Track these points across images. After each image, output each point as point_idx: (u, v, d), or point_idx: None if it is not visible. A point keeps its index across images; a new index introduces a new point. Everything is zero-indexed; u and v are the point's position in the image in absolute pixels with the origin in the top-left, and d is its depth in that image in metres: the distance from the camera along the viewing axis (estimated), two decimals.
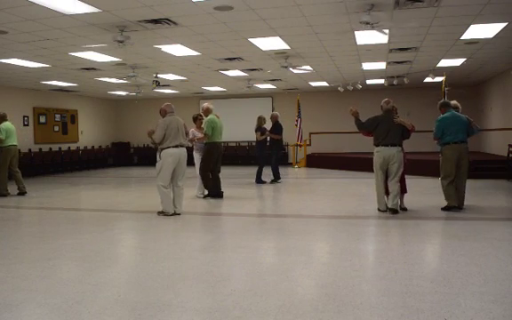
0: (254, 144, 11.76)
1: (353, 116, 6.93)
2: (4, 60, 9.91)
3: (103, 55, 9.65)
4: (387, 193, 6.88)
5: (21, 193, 9.65)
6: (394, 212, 6.66)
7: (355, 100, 15.81)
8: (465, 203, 6.99)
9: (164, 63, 10.83)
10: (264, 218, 7.22)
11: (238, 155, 18.36)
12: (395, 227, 6.05)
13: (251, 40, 8.51)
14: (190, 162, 7.75)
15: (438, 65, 11.65)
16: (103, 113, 19.33)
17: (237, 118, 17.91)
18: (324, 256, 4.72)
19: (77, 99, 17.58)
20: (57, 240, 5.46)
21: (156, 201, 7.16)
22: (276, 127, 11.07)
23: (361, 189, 9.70)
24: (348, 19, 7.06)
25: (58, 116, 16.60)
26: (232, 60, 10.63)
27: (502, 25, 7.60)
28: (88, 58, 9.86)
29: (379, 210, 6.84)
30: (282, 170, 12.19)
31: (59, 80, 13.30)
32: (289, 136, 16.79)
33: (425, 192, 8.97)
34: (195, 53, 9.67)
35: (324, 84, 15.45)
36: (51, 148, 15.88)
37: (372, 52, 9.86)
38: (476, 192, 8.76)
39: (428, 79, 13.53)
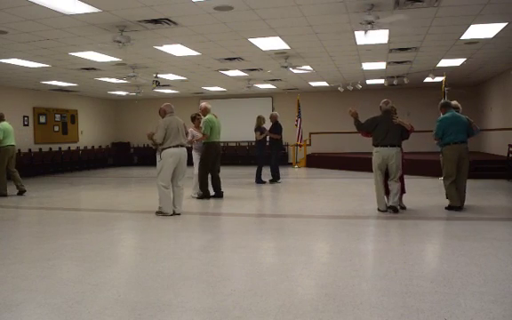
0: (254, 144, 11.75)
1: (352, 116, 6.94)
2: (3, 60, 9.91)
3: (103, 55, 9.65)
4: (386, 193, 6.91)
5: (21, 192, 9.66)
6: (394, 209, 6.70)
7: (355, 99, 15.81)
8: (465, 203, 7.00)
9: (163, 63, 10.83)
10: (264, 218, 7.22)
11: (238, 155, 18.36)
12: (395, 227, 6.05)
13: (251, 40, 8.51)
14: (189, 161, 7.75)
15: (438, 65, 11.65)
16: (103, 113, 19.34)
17: (237, 118, 17.92)
18: (323, 256, 4.72)
19: (77, 99, 17.58)
20: (57, 240, 5.46)
21: (156, 201, 7.14)
22: (276, 127, 11.08)
23: (361, 189, 9.69)
24: (348, 19, 7.06)
25: (58, 116, 16.60)
26: (232, 60, 10.63)
27: (502, 25, 7.61)
28: (88, 58, 9.86)
29: (378, 210, 6.85)
30: (282, 170, 12.19)
31: (59, 80, 13.30)
32: (289, 136, 16.79)
33: (425, 192, 8.98)
34: (195, 53, 9.68)
35: (324, 83, 15.45)
36: (51, 148, 15.88)
37: (371, 51, 9.86)
38: (476, 192, 8.76)
39: (428, 79, 13.53)
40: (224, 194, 8.77)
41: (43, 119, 15.83)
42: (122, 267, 4.48)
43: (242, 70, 12.20)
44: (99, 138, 18.96)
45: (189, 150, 7.83)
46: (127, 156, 19.41)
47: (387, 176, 6.84)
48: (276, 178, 11.13)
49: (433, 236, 5.51)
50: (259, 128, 10.86)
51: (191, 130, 8.35)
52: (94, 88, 15.51)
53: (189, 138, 7.92)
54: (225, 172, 14.41)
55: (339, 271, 4.00)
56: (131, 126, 19.68)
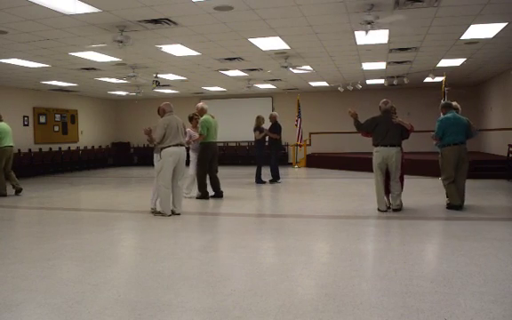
0: (253, 144, 11.75)
1: (352, 117, 6.95)
2: (4, 60, 9.91)
3: (103, 55, 9.65)
4: (386, 193, 6.93)
5: (17, 191, 9.63)
6: (396, 210, 6.76)
7: (355, 99, 15.82)
8: (465, 203, 7.01)
9: (164, 63, 10.83)
10: (264, 218, 7.22)
11: (238, 155, 18.37)
12: (395, 227, 6.05)
13: (251, 40, 8.51)
14: (186, 161, 7.74)
15: (438, 65, 11.65)
16: (103, 113, 19.34)
17: (237, 118, 17.93)
18: (323, 256, 4.72)
19: (77, 99, 17.58)
20: (57, 240, 5.46)
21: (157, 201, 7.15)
22: (275, 127, 11.08)
23: (361, 189, 9.70)
24: (348, 19, 7.06)
25: (58, 116, 16.60)
26: (232, 60, 10.63)
27: (502, 25, 7.61)
28: (88, 58, 9.86)
29: (379, 210, 6.86)
30: (282, 170, 12.20)
31: (59, 80, 13.30)
32: (289, 136, 16.80)
33: (425, 192, 8.97)
34: (195, 53, 9.68)
35: (324, 84, 15.45)
36: (51, 148, 15.88)
37: (372, 51, 9.86)
38: (476, 192, 8.76)
39: (428, 79, 13.53)
40: (224, 194, 8.77)
41: (43, 119, 15.83)
42: (122, 267, 4.48)
43: (242, 70, 12.20)
44: (99, 138, 18.96)
45: (187, 150, 7.83)
46: (127, 155, 19.41)
47: (387, 176, 6.85)
48: (275, 178, 11.13)
49: (433, 236, 5.51)
50: (258, 128, 10.86)
51: (188, 130, 8.35)
52: (94, 88, 15.51)
53: (187, 138, 7.92)
54: (225, 172, 14.42)
55: (339, 271, 4.00)
56: (131, 126, 19.67)
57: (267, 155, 11.06)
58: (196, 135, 8.34)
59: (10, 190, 9.72)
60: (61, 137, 16.73)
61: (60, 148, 16.34)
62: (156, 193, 7.03)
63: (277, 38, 8.36)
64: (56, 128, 16.53)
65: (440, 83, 12.50)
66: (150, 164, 7.62)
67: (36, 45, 8.49)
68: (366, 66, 11.80)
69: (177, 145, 6.77)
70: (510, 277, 3.72)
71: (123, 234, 6.00)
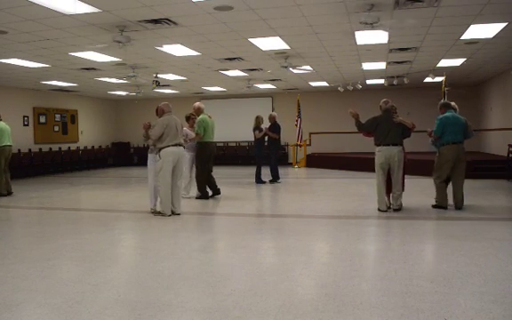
0: (253, 144, 11.76)
1: (353, 117, 6.96)
2: (4, 60, 9.91)
3: (103, 55, 9.65)
4: (387, 193, 6.93)
5: (8, 193, 9.55)
6: (396, 210, 6.79)
7: (355, 99, 15.81)
8: (465, 203, 7.01)
9: (164, 63, 10.83)
10: (264, 218, 7.22)
11: (238, 155, 18.37)
12: (395, 227, 6.05)
13: (251, 40, 8.51)
14: None
15: (438, 65, 11.65)
16: (103, 113, 19.34)
17: (237, 118, 17.93)
18: (324, 256, 4.72)
19: (77, 99, 17.58)
20: (57, 240, 5.46)
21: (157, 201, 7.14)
22: (275, 127, 11.09)
23: (361, 189, 9.70)
24: (348, 19, 7.06)
25: (58, 116, 16.60)
26: (232, 60, 10.63)
27: (502, 25, 7.60)
28: (88, 58, 9.86)
29: (379, 210, 6.86)
30: (282, 170, 12.19)
31: (59, 80, 13.30)
32: (289, 136, 16.80)
33: (425, 192, 8.96)
34: (195, 53, 9.67)
35: (324, 84, 15.45)
36: (51, 148, 15.88)
37: (372, 51, 9.86)
38: (476, 192, 8.76)
39: (428, 79, 13.53)
40: (224, 194, 8.78)
41: (43, 119, 15.83)
42: (122, 267, 4.48)
43: (242, 70, 12.20)
44: (99, 138, 18.96)
45: None
46: (127, 156, 19.40)
47: (388, 176, 6.86)
48: (275, 178, 11.14)
49: (433, 236, 5.51)
50: (257, 128, 10.87)
51: (185, 129, 8.35)
52: (94, 88, 15.51)
53: (183, 137, 7.93)
54: (225, 172, 14.44)
55: (339, 271, 3.99)
56: (131, 126, 19.66)
57: (266, 155, 11.07)
58: (193, 134, 8.34)
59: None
60: (61, 137, 16.73)
61: (60, 148, 16.34)
62: (155, 193, 7.03)
63: (277, 38, 8.36)
64: (56, 128, 16.53)
65: (440, 83, 12.50)
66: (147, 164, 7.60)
67: (36, 45, 8.49)
68: (366, 66, 11.80)
69: (176, 145, 6.77)
70: (510, 277, 3.72)
71: (123, 234, 6.00)
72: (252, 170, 11.33)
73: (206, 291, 3.55)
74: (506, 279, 3.66)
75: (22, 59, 9.80)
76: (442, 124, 6.85)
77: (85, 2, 6.00)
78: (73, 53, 9.35)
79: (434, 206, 7.03)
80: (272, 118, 11.17)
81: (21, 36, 7.75)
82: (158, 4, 6.21)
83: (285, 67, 10.57)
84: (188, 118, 8.76)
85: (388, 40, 8.63)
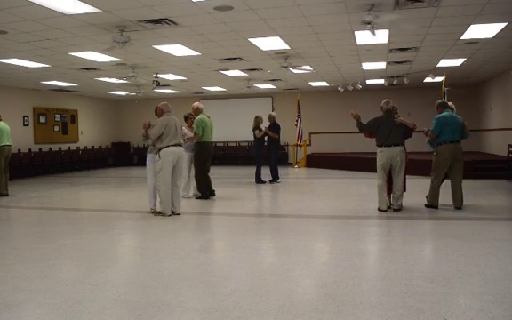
0: (253, 144, 11.76)
1: (354, 118, 6.97)
2: (4, 60, 9.91)
3: (103, 55, 9.65)
4: (388, 193, 6.95)
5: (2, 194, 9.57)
6: (397, 210, 6.80)
7: (355, 100, 15.82)
8: (465, 203, 7.02)
9: (163, 63, 10.83)
10: (264, 218, 7.22)
11: (238, 155, 18.36)
12: (395, 227, 6.05)
13: (251, 40, 8.51)
14: None
15: (438, 65, 11.65)
16: (103, 113, 19.34)
17: (237, 118, 17.92)
18: (324, 256, 4.72)
19: (77, 99, 17.58)
20: (57, 240, 5.46)
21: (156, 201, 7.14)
22: (274, 127, 11.09)
23: (361, 189, 9.70)
24: (348, 19, 7.06)
25: (58, 116, 16.60)
26: (232, 60, 10.63)
27: (502, 25, 7.60)
28: (88, 58, 9.86)
29: (379, 209, 6.87)
30: (282, 170, 12.19)
31: (59, 80, 13.30)
32: (289, 136, 16.80)
33: (425, 192, 8.93)
34: (195, 53, 9.67)
35: (324, 83, 15.45)
36: (51, 148, 15.88)
37: (371, 51, 9.86)
38: (476, 192, 8.76)
39: (428, 79, 13.53)
40: (224, 194, 8.77)
41: (43, 119, 15.82)
42: (122, 267, 4.48)
43: (242, 70, 12.20)
44: (99, 138, 18.96)
45: None
46: (127, 156, 19.40)
47: (389, 176, 6.88)
48: (275, 178, 11.14)
49: (433, 236, 5.51)
50: (257, 128, 10.88)
51: (183, 128, 8.34)
52: (94, 88, 15.51)
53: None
54: (225, 172, 14.45)
55: (339, 271, 3.99)
56: (131, 126, 19.66)
57: (266, 155, 11.07)
58: (191, 134, 8.33)
59: (11, 191, 9.73)
60: (61, 137, 16.73)
61: (60, 148, 16.33)
62: (154, 193, 7.04)
63: (277, 38, 8.36)
64: (56, 128, 16.52)
65: (440, 83, 12.50)
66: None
67: (36, 45, 8.49)
68: (366, 66, 11.80)
69: (175, 145, 6.78)
70: (510, 277, 3.72)
71: (123, 234, 6.00)
72: (252, 170, 11.33)
73: (206, 291, 3.55)
74: (506, 279, 3.66)
75: (22, 59, 9.80)
76: (439, 123, 6.87)
77: (85, 2, 6.00)
78: (73, 53, 9.35)
79: (426, 206, 7.08)
80: (272, 118, 11.17)
81: (21, 36, 7.75)
82: (158, 4, 6.21)
83: (285, 67, 10.57)
84: (186, 118, 8.75)
85: (388, 40, 8.64)
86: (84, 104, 18.00)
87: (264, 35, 8.08)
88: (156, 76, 12.58)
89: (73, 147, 17.07)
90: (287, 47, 9.16)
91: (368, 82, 15.05)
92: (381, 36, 8.23)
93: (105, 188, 11.32)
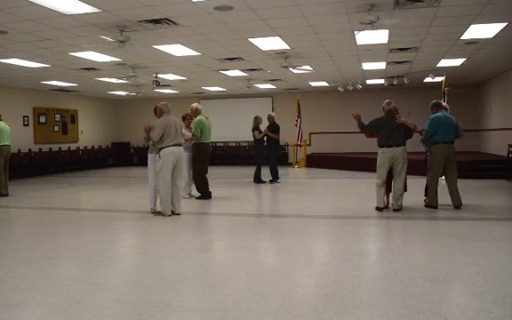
0: (252, 144, 11.76)
1: (355, 119, 6.97)
2: (4, 60, 9.91)
3: (103, 55, 9.65)
4: (386, 192, 6.96)
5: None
6: (396, 210, 6.80)
7: (355, 99, 15.82)
8: (465, 203, 7.03)
9: (163, 63, 10.83)
10: (264, 218, 7.22)
11: (238, 155, 18.36)
12: (395, 227, 6.05)
13: (251, 40, 8.51)
14: None
15: (438, 65, 11.65)
16: (103, 113, 19.34)
17: (237, 118, 17.92)
18: (324, 256, 4.72)
19: (77, 99, 17.58)
20: (57, 240, 5.46)
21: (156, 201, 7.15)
22: (274, 127, 11.09)
23: (361, 189, 9.69)
24: (348, 19, 7.06)
25: (58, 116, 16.60)
26: (232, 60, 10.63)
27: (502, 25, 7.60)
28: (88, 58, 9.86)
29: (377, 208, 6.88)
30: (282, 170, 12.18)
31: (59, 80, 13.30)
32: (289, 136, 16.80)
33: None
34: (195, 53, 9.67)
35: (324, 83, 15.44)
36: (51, 148, 15.87)
37: (371, 51, 9.86)
38: (476, 192, 8.76)
39: (428, 79, 13.53)
40: (224, 194, 8.77)
41: (43, 119, 15.82)
42: (122, 267, 4.48)
43: (242, 70, 12.20)
44: (99, 138, 18.96)
45: None
46: (127, 156, 19.40)
47: (388, 176, 6.88)
48: (275, 178, 11.14)
49: (433, 236, 5.50)
50: (256, 128, 10.88)
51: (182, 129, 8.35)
52: (94, 88, 15.51)
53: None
54: (225, 172, 14.45)
55: (339, 271, 4.00)
56: (131, 126, 19.66)
57: (266, 155, 11.07)
58: (189, 135, 8.33)
59: (11, 191, 9.73)
60: (61, 137, 16.73)
61: (60, 148, 16.33)
62: (155, 193, 7.04)
63: (277, 38, 8.36)
64: (56, 128, 16.52)
65: (440, 83, 12.50)
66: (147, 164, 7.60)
67: (36, 45, 8.49)
68: (366, 66, 11.80)
69: (176, 145, 6.78)
70: (510, 277, 3.72)
71: (123, 234, 6.00)
72: (253, 170, 11.33)
73: (206, 291, 3.55)
74: (506, 279, 3.66)
75: (22, 59, 9.80)
76: (433, 123, 6.92)
77: (85, 2, 6.00)
78: (73, 53, 9.35)
79: (426, 206, 7.10)
80: (271, 118, 11.17)
81: (21, 36, 7.75)
82: (158, 4, 6.21)
83: (285, 67, 10.57)
84: (183, 118, 8.76)
85: (388, 40, 8.63)
86: (84, 104, 18.00)
87: (264, 35, 8.08)
88: (156, 76, 12.58)
89: (73, 147, 17.07)
90: (287, 47, 9.16)
91: (368, 82, 15.05)
92: (381, 36, 8.24)
93: (105, 188, 11.32)
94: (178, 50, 9.27)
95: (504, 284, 3.54)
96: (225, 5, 6.28)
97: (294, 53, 9.85)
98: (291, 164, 16.91)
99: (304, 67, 11.36)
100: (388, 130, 6.74)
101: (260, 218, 7.18)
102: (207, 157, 8.69)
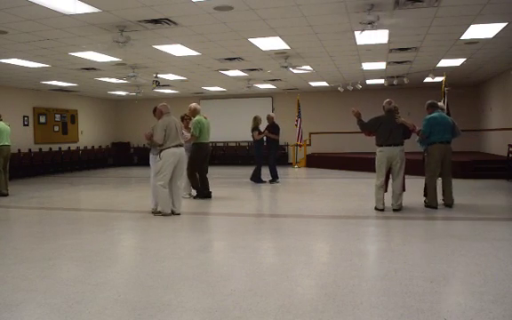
0: (252, 144, 11.76)
1: (355, 116, 6.98)
2: (4, 60, 9.91)
3: (103, 55, 9.65)
4: (385, 191, 6.98)
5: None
6: (396, 210, 6.79)
7: (355, 100, 15.80)
8: (465, 203, 7.04)
9: (163, 63, 10.83)
10: (264, 218, 7.22)
11: (238, 155, 18.36)
12: (395, 227, 6.05)
13: (251, 40, 8.51)
14: None
15: (438, 65, 11.65)
16: (103, 113, 19.34)
17: (237, 118, 17.93)
18: (323, 256, 4.72)
19: (77, 99, 17.58)
20: (57, 240, 5.46)
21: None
22: (273, 127, 11.09)
23: (361, 189, 9.69)
24: (348, 19, 7.06)
25: (58, 116, 16.60)
26: (232, 60, 10.63)
27: (502, 25, 7.60)
28: (88, 58, 9.86)
29: (376, 208, 6.88)
30: (282, 170, 12.18)
31: (59, 80, 13.30)
32: (289, 136, 16.80)
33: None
34: (195, 53, 9.67)
35: (324, 83, 15.45)
36: (51, 148, 15.87)
37: (371, 51, 9.86)
38: (476, 192, 8.76)
39: (428, 79, 13.53)
40: (224, 194, 8.77)
41: (43, 119, 15.82)
42: (122, 267, 4.48)
43: (242, 70, 12.19)
44: (99, 138, 18.96)
45: None
46: (127, 156, 19.40)
47: (386, 175, 6.89)
48: (274, 178, 11.14)
49: (433, 236, 5.50)
50: (256, 128, 10.88)
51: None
52: (94, 88, 15.51)
53: None
54: (225, 172, 14.45)
55: (339, 271, 4.00)
56: (131, 126, 19.67)
57: (266, 155, 11.07)
58: (188, 135, 8.33)
59: (11, 191, 9.73)
60: (61, 137, 16.73)
61: (60, 148, 16.33)
62: (156, 193, 7.04)
63: (277, 38, 8.36)
64: (56, 128, 16.52)
65: (440, 83, 12.49)
66: (149, 164, 7.60)
67: (36, 45, 8.49)
68: (366, 66, 11.80)
69: (177, 146, 6.78)
70: (510, 277, 3.72)
71: (123, 234, 6.00)
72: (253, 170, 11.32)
73: (206, 291, 3.55)
74: (506, 279, 3.66)
75: (22, 59, 9.80)
76: (429, 124, 6.95)
77: (85, 2, 6.00)
78: (73, 53, 9.35)
79: (426, 206, 7.10)
80: (270, 119, 11.18)
81: (21, 36, 7.75)
82: (158, 4, 6.21)
83: (285, 67, 10.57)
84: (182, 119, 8.76)
85: (388, 40, 8.64)
86: (84, 104, 18.00)
87: (264, 35, 8.08)
88: (156, 76, 12.58)
89: (73, 147, 17.07)
90: (287, 47, 9.16)
91: (368, 82, 15.05)
92: (381, 36, 8.24)
93: (105, 188, 11.32)
94: (178, 50, 9.27)
95: (504, 283, 3.54)
96: (225, 5, 6.28)
97: (294, 53, 9.85)
98: (291, 164, 16.91)
99: (304, 67, 11.36)
100: (388, 129, 6.75)
101: (260, 218, 7.19)
102: (207, 157, 8.69)
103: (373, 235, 5.74)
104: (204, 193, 8.57)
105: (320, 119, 17.74)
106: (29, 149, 14.90)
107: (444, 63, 11.40)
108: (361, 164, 13.65)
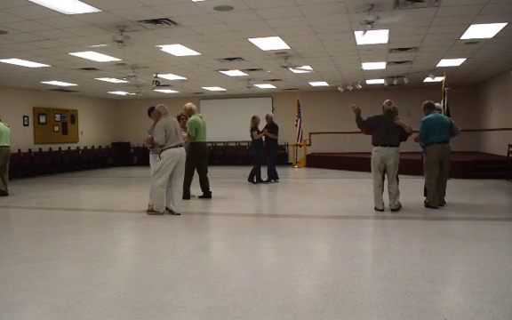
0: (252, 144, 11.75)
1: (355, 113, 6.98)
2: (4, 60, 9.91)
3: (103, 55, 9.65)
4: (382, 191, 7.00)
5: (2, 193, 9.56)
6: (395, 211, 6.79)
7: (355, 100, 15.67)
8: (465, 203, 7.05)
9: (163, 63, 10.83)
10: (263, 218, 7.22)
11: (238, 155, 18.35)
12: (394, 227, 6.05)
13: (251, 40, 8.51)
14: None
15: (438, 65, 11.65)
16: (103, 113, 19.34)
17: (237, 118, 17.91)
18: (323, 256, 4.72)
19: (77, 99, 17.58)
20: (57, 240, 5.46)
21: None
22: (273, 127, 11.09)
23: (361, 189, 9.69)
24: (348, 19, 7.06)
25: (58, 116, 16.60)
26: (232, 60, 10.63)
27: (502, 25, 7.61)
28: (88, 58, 9.86)
29: (376, 209, 6.88)
30: (282, 170, 12.18)
31: (59, 80, 13.30)
32: (289, 136, 16.80)
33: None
34: (195, 53, 9.67)
35: (324, 83, 15.45)
36: (51, 148, 15.87)
37: (372, 51, 9.86)
38: (476, 192, 8.76)
39: (427, 79, 13.53)
40: (224, 194, 8.77)
41: (43, 119, 15.82)
42: (122, 267, 4.48)
43: (242, 70, 12.19)
44: (99, 138, 18.96)
45: None
46: (127, 156, 19.40)
47: (384, 176, 6.91)
48: (274, 178, 11.14)
49: (433, 236, 5.50)
50: (255, 128, 10.88)
51: None
52: (94, 88, 15.51)
53: None
54: (225, 172, 14.45)
55: (339, 271, 4.00)
56: (131, 126, 19.66)
57: (265, 154, 11.08)
58: (184, 135, 8.32)
59: (11, 191, 9.73)
60: (61, 137, 16.73)
61: (60, 148, 16.33)
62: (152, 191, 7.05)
63: (277, 38, 8.36)
64: (56, 128, 16.53)
65: (440, 83, 12.48)
66: (149, 163, 7.61)
67: (36, 45, 8.49)
68: (366, 66, 11.80)
69: (177, 146, 6.79)
70: (510, 277, 3.72)
71: (123, 234, 6.00)
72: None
73: (206, 291, 3.55)
74: (506, 279, 3.66)
75: (22, 59, 9.80)
76: (425, 126, 7.00)
77: (85, 2, 6.00)
78: (73, 53, 9.35)
79: (426, 206, 7.11)
80: (269, 119, 11.18)
81: (21, 36, 7.75)
82: (158, 4, 6.21)
83: (285, 67, 10.57)
84: (178, 118, 8.74)
85: (388, 40, 8.64)
86: (84, 104, 18.00)
87: (264, 35, 8.08)
88: (156, 76, 12.58)
89: (73, 147, 17.07)
90: (287, 47, 9.16)
91: (368, 82, 15.05)
92: (381, 36, 8.24)
93: (105, 188, 11.32)
94: (178, 50, 9.27)
95: (504, 283, 3.54)
96: (225, 5, 6.28)
97: (294, 53, 9.85)
98: (291, 164, 16.91)
99: (304, 67, 11.36)
100: (385, 129, 6.77)
101: (259, 218, 7.19)
102: (204, 157, 8.67)
103: (373, 235, 5.74)
104: (188, 196, 8.43)
105: (320, 119, 17.74)
106: (29, 149, 14.90)
107: (443, 63, 11.40)
108: (361, 163, 13.62)
